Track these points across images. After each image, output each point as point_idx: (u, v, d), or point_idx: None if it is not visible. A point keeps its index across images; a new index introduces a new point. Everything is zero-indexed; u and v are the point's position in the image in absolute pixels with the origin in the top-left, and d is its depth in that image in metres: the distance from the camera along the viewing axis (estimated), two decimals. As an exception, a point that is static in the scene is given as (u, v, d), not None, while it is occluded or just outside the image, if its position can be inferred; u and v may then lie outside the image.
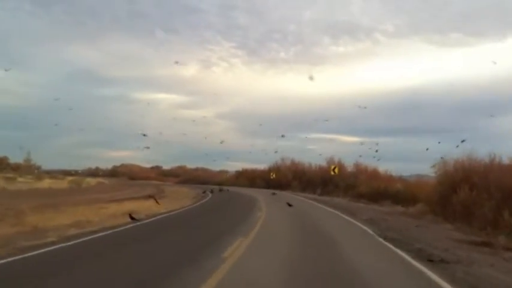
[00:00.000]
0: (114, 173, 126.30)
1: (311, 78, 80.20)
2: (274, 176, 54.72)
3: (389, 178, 42.79)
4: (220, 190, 43.56)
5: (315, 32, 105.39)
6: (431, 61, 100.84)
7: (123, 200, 23.91)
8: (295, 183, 55.39)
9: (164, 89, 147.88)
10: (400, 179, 42.18)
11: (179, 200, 26.47)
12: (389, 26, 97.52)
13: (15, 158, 78.24)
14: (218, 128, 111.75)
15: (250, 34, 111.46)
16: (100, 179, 74.52)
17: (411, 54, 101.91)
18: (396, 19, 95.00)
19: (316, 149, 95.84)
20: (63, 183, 45.96)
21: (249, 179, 69.98)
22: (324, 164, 53.62)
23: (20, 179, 53.28)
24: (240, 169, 79.90)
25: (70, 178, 55.12)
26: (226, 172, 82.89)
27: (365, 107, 37.99)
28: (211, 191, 39.11)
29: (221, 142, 50.45)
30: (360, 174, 46.54)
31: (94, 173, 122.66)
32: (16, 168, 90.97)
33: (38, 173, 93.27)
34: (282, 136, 46.36)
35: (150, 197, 24.09)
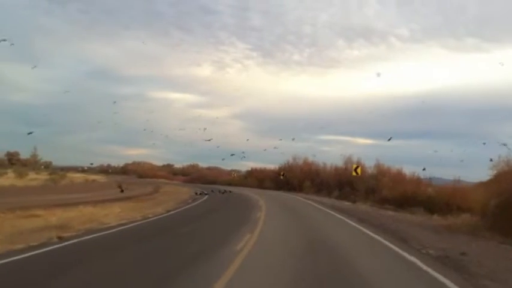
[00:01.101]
0: (125, 170, 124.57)
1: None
2: (284, 176, 48.99)
3: (417, 181, 36.80)
4: (222, 192, 38.28)
5: (330, 35, 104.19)
6: (446, 66, 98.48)
7: (89, 203, 18.85)
8: (307, 184, 49.63)
9: (179, 88, 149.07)
10: (429, 182, 36.22)
11: (162, 204, 21.28)
12: (404, 30, 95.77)
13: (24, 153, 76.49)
14: (232, 128, 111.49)
15: (265, 36, 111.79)
16: (95, 176, 70.15)
17: (426, 58, 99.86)
18: (412, 23, 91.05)
19: (329, 151, 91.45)
20: (38, 181, 41.09)
21: (258, 179, 64.45)
22: (340, 164, 47.83)
23: (8, 175, 49.34)
24: (250, 169, 74.54)
25: (59, 175, 50.46)
26: (236, 172, 77.53)
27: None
28: (206, 193, 33.92)
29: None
30: (382, 177, 40.63)
31: (105, 170, 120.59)
32: (26, 164, 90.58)
33: (44, 168, 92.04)
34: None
35: (119, 187, 19.02)
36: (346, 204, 29.36)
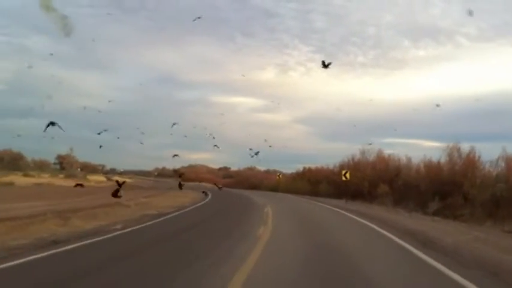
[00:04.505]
0: (179, 173, 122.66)
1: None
2: (347, 177, 32.73)
3: None
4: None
5: (395, 35, 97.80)
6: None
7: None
8: (384, 189, 33.33)
9: (242, 93, 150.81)
10: None
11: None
12: (472, 29, 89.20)
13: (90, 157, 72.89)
14: (294, 132, 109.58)
15: (327, 37, 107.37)
16: (128, 180, 61.10)
17: (497, 58, 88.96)
18: (479, 21, 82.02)
19: (394, 154, 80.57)
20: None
21: (312, 182, 48.59)
22: (435, 158, 30.75)
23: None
24: (301, 169, 59.19)
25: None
26: (281, 173, 62.35)
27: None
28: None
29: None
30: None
31: (151, 173, 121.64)
32: (83, 167, 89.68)
33: (80, 171, 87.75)
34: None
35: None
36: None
